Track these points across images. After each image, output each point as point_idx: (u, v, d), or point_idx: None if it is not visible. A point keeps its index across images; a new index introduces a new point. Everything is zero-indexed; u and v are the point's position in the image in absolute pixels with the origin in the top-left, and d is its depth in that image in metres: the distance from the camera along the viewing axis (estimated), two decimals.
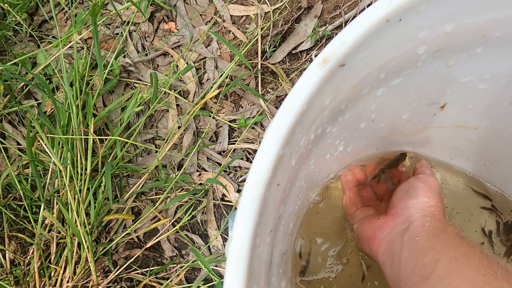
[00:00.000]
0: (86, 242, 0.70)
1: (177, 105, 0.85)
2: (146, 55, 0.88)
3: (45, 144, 0.73)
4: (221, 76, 0.80)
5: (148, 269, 0.77)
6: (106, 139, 0.78)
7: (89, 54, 0.84)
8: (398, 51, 0.31)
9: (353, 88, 0.31)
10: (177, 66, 0.87)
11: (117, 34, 0.90)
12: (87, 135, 0.74)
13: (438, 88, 0.43)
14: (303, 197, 0.49)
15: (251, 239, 0.21)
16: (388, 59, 0.32)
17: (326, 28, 0.83)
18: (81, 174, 0.73)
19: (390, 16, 0.25)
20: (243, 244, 0.21)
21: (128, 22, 0.89)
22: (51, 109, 0.82)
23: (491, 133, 0.53)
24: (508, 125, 0.50)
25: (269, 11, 0.87)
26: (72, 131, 0.74)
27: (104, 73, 0.75)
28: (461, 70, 0.40)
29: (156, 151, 0.81)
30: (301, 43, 0.84)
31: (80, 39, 0.90)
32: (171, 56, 0.89)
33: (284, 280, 0.47)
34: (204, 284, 0.74)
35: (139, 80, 0.86)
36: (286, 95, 0.31)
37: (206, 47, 0.89)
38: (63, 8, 0.93)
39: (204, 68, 0.87)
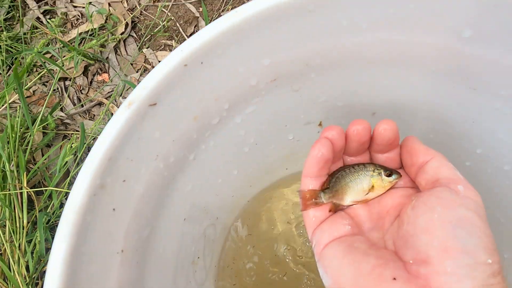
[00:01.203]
0: None
1: None
2: (82, 106, 0.93)
3: None
4: None
5: None
6: (44, 190, 0.81)
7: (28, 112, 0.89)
8: (226, 85, 0.37)
9: (193, 121, 0.37)
10: (112, 113, 0.93)
11: (54, 90, 0.96)
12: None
13: (301, 109, 0.49)
14: (206, 222, 0.53)
15: (68, 258, 0.26)
16: (220, 92, 0.37)
17: None
18: (21, 228, 0.76)
19: (187, 61, 0.30)
20: (58, 263, 0.25)
21: (63, 78, 0.95)
22: None
23: None
24: None
25: None
26: (9, 188, 0.77)
27: (35, 129, 0.80)
28: (310, 92, 0.46)
29: None
30: None
31: (18, 99, 0.95)
32: (106, 105, 0.94)
33: None
34: None
35: (76, 131, 0.91)
36: None
37: None
38: (0, 73, 0.98)
39: None
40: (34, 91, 0.97)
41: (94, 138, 0.89)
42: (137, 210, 0.34)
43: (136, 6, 1.01)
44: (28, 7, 1.03)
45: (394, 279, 0.24)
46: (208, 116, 0.39)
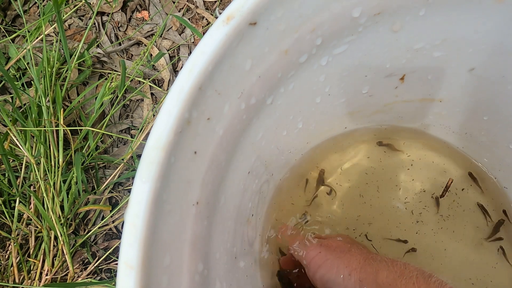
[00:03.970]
0: (61, 235, 0.70)
1: (152, 94, 0.84)
2: (120, 44, 0.87)
3: (16, 139, 0.72)
4: None
5: None
6: (79, 130, 0.77)
7: (61, 46, 0.84)
8: (327, 13, 0.30)
9: (284, 54, 0.30)
10: (151, 54, 0.86)
11: (91, 25, 0.89)
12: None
13: (391, 57, 0.42)
14: (264, 178, 0.48)
15: (151, 204, 0.21)
16: (318, 22, 0.30)
17: None
18: (56, 167, 0.73)
19: None
20: (141, 209, 0.20)
21: (101, 13, 0.88)
22: (25, 103, 0.82)
23: (455, 105, 0.51)
24: (470, 95, 0.48)
25: None
26: (44, 124, 0.73)
27: (72, 64, 0.74)
28: (409, 36, 0.38)
29: (131, 141, 0.80)
30: None
31: (53, 32, 0.89)
32: (145, 45, 0.88)
33: (245, 260, 0.46)
34: None
35: (113, 70, 0.85)
36: None
37: (180, 35, 0.87)
38: (35, 2, 0.92)
39: (178, 55, 0.85)
40: (69, 25, 0.91)
41: (132, 80, 0.84)
42: (214, 156, 0.29)
43: None
44: None
45: None
46: (298, 51, 0.32)
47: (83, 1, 0.83)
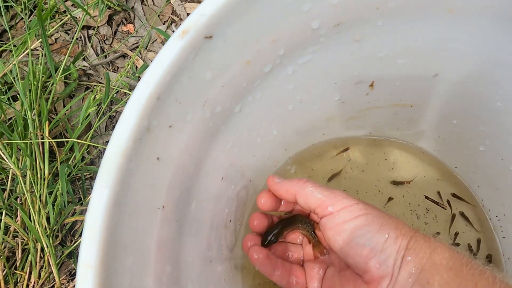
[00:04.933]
0: (48, 246, 0.70)
1: None
2: (105, 57, 0.89)
3: (2, 152, 0.73)
4: None
5: None
6: (65, 142, 0.79)
7: (52, 60, 0.85)
8: (286, 25, 0.32)
9: (247, 65, 0.32)
10: (136, 66, 0.88)
11: (77, 39, 0.91)
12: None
13: (357, 65, 0.44)
14: (240, 184, 0.50)
15: (110, 207, 0.22)
16: (279, 34, 0.32)
17: None
18: (42, 179, 0.74)
19: None
20: (99, 212, 0.21)
21: (86, 27, 0.90)
22: (11, 117, 0.83)
23: (425, 110, 0.53)
24: (438, 100, 0.50)
25: None
26: (30, 137, 0.74)
27: (57, 77, 0.76)
28: (372, 45, 0.40)
29: None
30: None
31: (40, 46, 0.91)
32: (130, 57, 0.89)
33: (223, 264, 0.47)
34: None
35: (99, 82, 0.87)
36: None
37: None
38: (22, 18, 0.94)
39: None
40: (56, 39, 0.93)
41: (118, 92, 0.85)
42: (180, 162, 0.30)
43: None
44: None
45: None
46: (261, 61, 0.34)
47: (69, 15, 0.85)
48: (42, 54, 0.88)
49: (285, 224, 0.43)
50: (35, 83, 0.78)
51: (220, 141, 0.37)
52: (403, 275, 0.31)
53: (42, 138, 0.75)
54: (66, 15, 0.94)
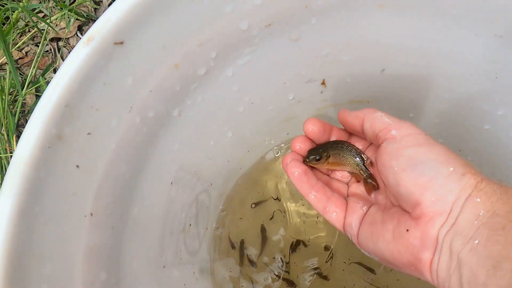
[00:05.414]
0: None
1: None
2: None
3: None
4: None
5: None
6: None
7: (17, 73, 0.85)
8: (211, 27, 0.32)
9: (175, 68, 0.32)
10: None
11: (47, 51, 0.91)
12: None
13: (302, 64, 0.44)
14: (199, 188, 0.50)
15: (15, 218, 0.22)
16: (205, 36, 0.32)
17: None
18: None
19: None
20: (2, 223, 0.21)
21: (56, 38, 0.90)
22: None
23: (381, 105, 0.53)
24: (390, 95, 0.50)
25: None
26: None
27: (24, 91, 0.76)
28: (311, 43, 0.41)
29: None
30: None
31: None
32: None
33: (181, 269, 0.47)
34: None
35: None
36: None
37: None
38: None
39: None
40: (26, 52, 0.93)
41: None
42: (109, 169, 0.30)
43: None
44: None
45: (407, 230, 0.29)
46: (192, 64, 0.34)
47: (36, 28, 0.85)
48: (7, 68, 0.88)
49: (333, 144, 0.38)
50: (3, 97, 0.78)
51: (162, 145, 0.37)
52: (466, 216, 0.27)
53: (11, 153, 0.75)
54: (34, 28, 0.94)
